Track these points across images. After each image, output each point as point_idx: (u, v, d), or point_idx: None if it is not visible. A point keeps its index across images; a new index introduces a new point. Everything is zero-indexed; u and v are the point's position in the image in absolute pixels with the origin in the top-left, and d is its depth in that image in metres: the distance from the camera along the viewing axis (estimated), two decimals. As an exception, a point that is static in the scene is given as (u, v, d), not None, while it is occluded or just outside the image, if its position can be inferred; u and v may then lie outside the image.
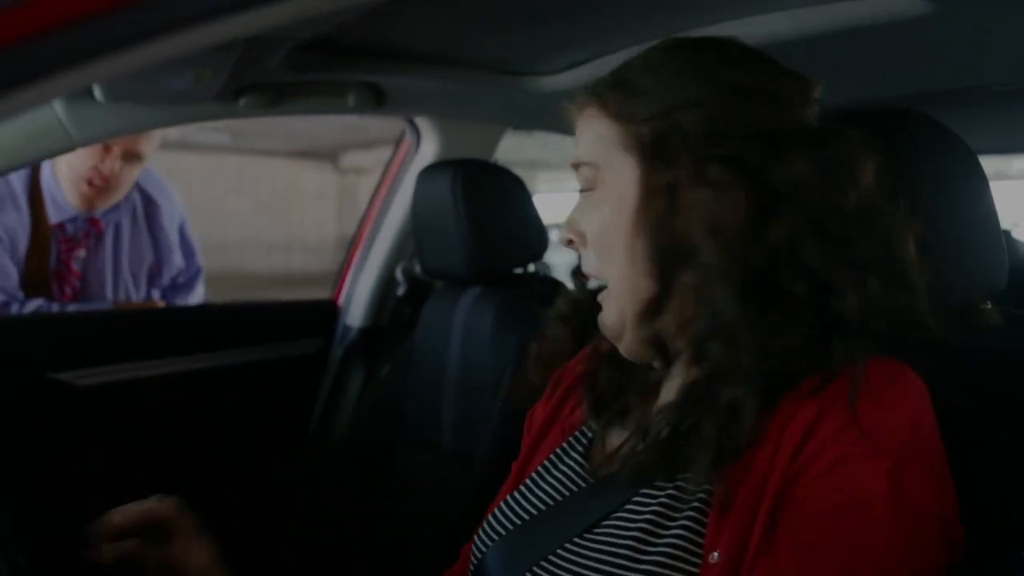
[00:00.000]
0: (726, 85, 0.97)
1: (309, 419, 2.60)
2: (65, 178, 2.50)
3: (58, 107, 1.83)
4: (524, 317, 2.03)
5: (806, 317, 0.92)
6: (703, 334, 0.95)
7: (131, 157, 2.50)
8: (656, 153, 0.97)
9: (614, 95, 1.02)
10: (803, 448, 0.88)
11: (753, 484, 0.90)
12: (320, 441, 2.58)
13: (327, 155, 11.33)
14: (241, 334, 2.48)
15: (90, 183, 2.48)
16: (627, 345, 1.04)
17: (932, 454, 0.89)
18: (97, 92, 1.79)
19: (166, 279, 2.77)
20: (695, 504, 0.93)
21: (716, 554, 0.89)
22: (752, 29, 1.57)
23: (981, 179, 1.09)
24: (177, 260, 2.78)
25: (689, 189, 0.95)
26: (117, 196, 2.58)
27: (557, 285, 2.18)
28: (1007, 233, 2.32)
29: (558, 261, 2.70)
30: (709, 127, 0.95)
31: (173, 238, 2.77)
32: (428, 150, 2.50)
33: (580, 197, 1.06)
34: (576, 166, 1.05)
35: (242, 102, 1.98)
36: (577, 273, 1.15)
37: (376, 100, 2.14)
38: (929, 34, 1.53)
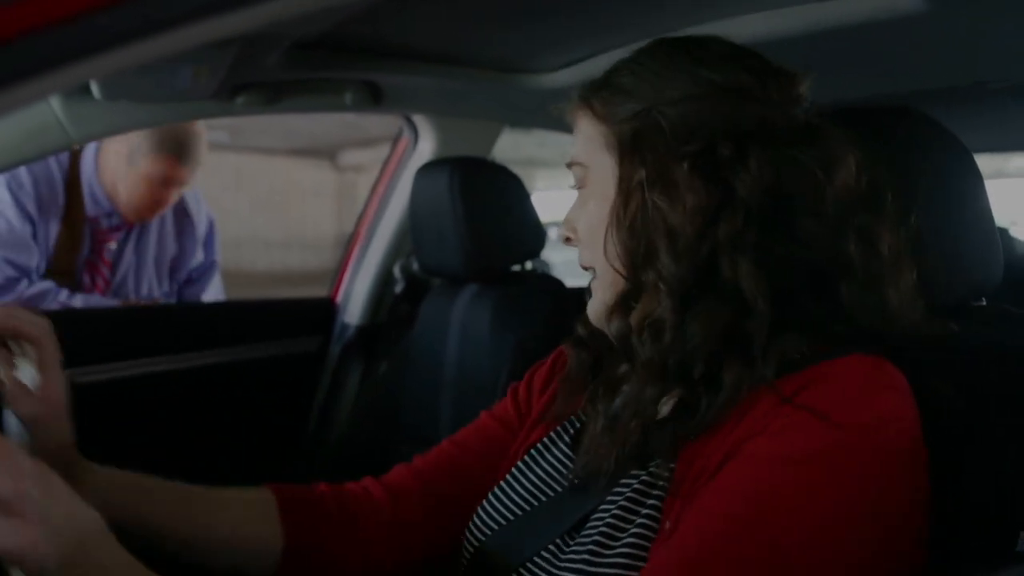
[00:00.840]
0: (702, 84, 0.98)
1: (307, 416, 2.60)
2: (120, 200, 2.58)
3: (56, 105, 1.83)
4: (521, 315, 2.04)
5: (729, 315, 0.93)
6: (643, 331, 0.98)
7: (184, 184, 2.62)
8: (632, 151, 0.99)
9: (599, 97, 1.04)
10: (760, 423, 0.89)
11: (707, 460, 0.92)
12: (318, 438, 2.58)
13: (326, 153, 11.32)
14: (239, 332, 2.48)
15: (148, 208, 2.61)
16: (612, 330, 1.05)
17: (895, 450, 0.88)
18: (95, 90, 1.79)
19: (183, 274, 2.83)
20: (661, 487, 0.95)
21: (668, 524, 0.92)
22: (748, 27, 1.57)
23: (976, 176, 1.10)
24: (198, 256, 2.84)
25: (655, 189, 0.96)
26: (165, 210, 2.69)
27: (554, 283, 2.18)
28: (1003, 231, 2.33)
29: (557, 259, 2.70)
30: (683, 126, 0.96)
31: (200, 232, 2.85)
32: (426, 148, 2.51)
33: (577, 194, 1.09)
34: (570, 165, 1.09)
35: (239, 100, 1.98)
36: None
37: (373, 98, 2.14)
38: (925, 32, 1.53)
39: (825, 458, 0.85)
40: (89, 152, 2.59)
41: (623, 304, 1.01)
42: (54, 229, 2.53)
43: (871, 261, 0.95)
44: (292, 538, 1.14)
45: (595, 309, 1.07)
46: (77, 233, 2.58)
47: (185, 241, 2.81)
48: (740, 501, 0.86)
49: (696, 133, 0.95)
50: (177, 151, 2.52)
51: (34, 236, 2.50)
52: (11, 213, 2.46)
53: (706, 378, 0.94)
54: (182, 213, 2.79)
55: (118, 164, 2.55)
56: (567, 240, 1.10)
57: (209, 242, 2.88)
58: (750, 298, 0.92)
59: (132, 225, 2.66)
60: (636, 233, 0.97)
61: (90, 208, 2.58)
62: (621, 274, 1.00)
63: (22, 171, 2.47)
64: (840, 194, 0.94)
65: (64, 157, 2.56)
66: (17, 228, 2.46)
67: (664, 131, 0.97)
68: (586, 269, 1.09)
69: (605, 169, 1.02)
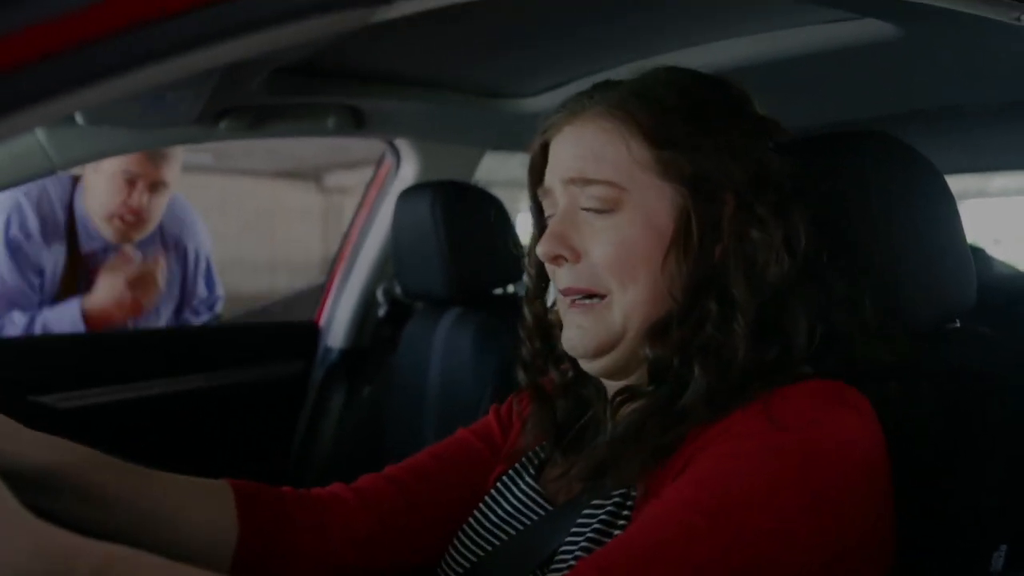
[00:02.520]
0: (754, 130, 1.03)
1: (291, 440, 2.60)
2: (96, 215, 2.52)
3: (39, 131, 1.83)
4: (503, 338, 2.03)
5: (802, 348, 0.97)
6: (698, 355, 0.98)
7: (157, 187, 2.53)
8: (700, 186, 0.99)
9: (649, 116, 1.01)
10: (717, 432, 0.91)
11: (664, 478, 0.93)
12: (302, 462, 2.57)
13: (311, 175, 11.31)
14: (222, 356, 2.47)
15: (121, 219, 2.51)
16: (609, 360, 1.04)
17: (851, 467, 0.89)
18: (78, 116, 1.80)
19: (188, 312, 2.80)
20: (626, 514, 0.96)
21: None
22: (723, 53, 1.59)
23: (948, 199, 1.11)
24: (201, 290, 2.81)
25: (733, 225, 0.98)
26: (150, 226, 2.60)
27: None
28: (979, 251, 2.34)
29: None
30: (753, 170, 0.99)
31: (200, 267, 2.81)
32: (408, 172, 2.51)
33: (583, 213, 1.03)
34: (586, 181, 1.02)
35: (223, 125, 1.99)
36: (531, 297, 1.19)
37: (356, 122, 2.15)
38: (900, 56, 1.55)
39: (779, 456, 0.87)
40: (81, 185, 2.55)
41: (657, 329, 1.00)
42: (60, 274, 2.51)
43: (856, 291, 1.00)
44: (248, 533, 1.09)
45: (600, 337, 1.03)
46: (78, 271, 2.54)
47: (187, 275, 2.77)
48: (697, 490, 0.87)
49: (766, 178, 0.99)
50: None
51: (48, 286, 2.48)
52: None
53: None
54: (181, 245, 2.75)
55: (90, 177, 2.51)
56: (556, 259, 1.04)
57: (209, 276, 2.84)
58: (793, 330, 0.97)
59: (128, 259, 2.58)
60: (704, 263, 0.99)
61: (85, 243, 2.54)
62: (676, 300, 0.99)
63: (25, 205, 2.46)
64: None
65: (66, 189, 2.54)
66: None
67: (735, 171, 0.99)
68: (580, 292, 1.04)
69: (657, 195, 1.00)
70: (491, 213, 2.16)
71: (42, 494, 0.98)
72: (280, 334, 2.72)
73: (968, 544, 0.98)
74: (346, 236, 2.71)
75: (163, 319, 2.74)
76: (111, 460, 1.05)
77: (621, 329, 1.02)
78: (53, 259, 2.50)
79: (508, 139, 2.51)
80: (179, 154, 2.58)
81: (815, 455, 0.87)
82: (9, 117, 0.62)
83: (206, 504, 1.10)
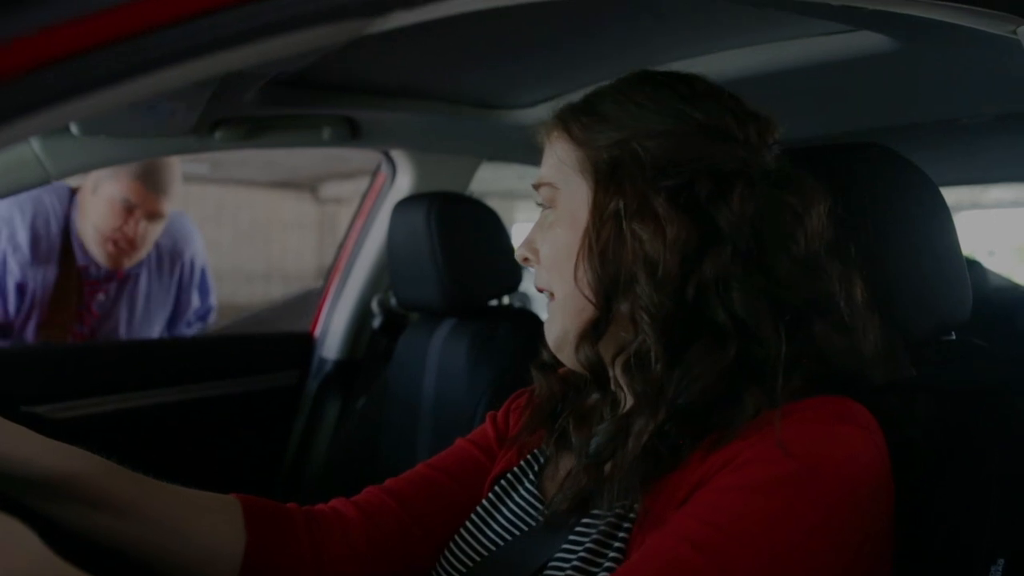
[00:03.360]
0: (686, 121, 0.98)
1: (285, 451, 2.59)
2: (90, 239, 2.52)
3: (34, 141, 1.83)
4: (498, 349, 2.04)
5: (731, 354, 0.93)
6: (629, 362, 0.97)
7: (153, 217, 2.53)
8: (609, 179, 0.99)
9: (578, 120, 1.04)
10: (724, 457, 0.89)
11: (674, 492, 0.92)
12: (296, 473, 2.57)
13: (307, 185, 11.34)
14: (217, 367, 2.47)
15: (115, 244, 2.51)
16: (567, 358, 1.06)
17: (857, 486, 0.88)
18: (73, 126, 1.80)
19: (183, 323, 2.80)
20: (627, 525, 0.95)
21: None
22: (720, 64, 1.60)
23: (944, 211, 1.11)
24: (195, 302, 2.81)
25: (634, 219, 0.96)
26: (141, 254, 2.61)
27: (531, 318, 2.18)
28: (974, 263, 2.34)
29: (538, 293, 2.71)
30: (663, 159, 0.97)
31: (195, 279, 2.81)
32: (403, 182, 2.52)
33: (540, 215, 1.08)
34: (537, 186, 1.07)
35: (217, 135, 1.99)
36: None
37: (351, 134, 2.16)
38: (897, 69, 1.55)
39: (785, 487, 0.85)
40: (78, 198, 2.55)
41: (592, 332, 1.00)
42: (50, 276, 2.50)
43: (845, 304, 0.96)
44: (255, 548, 1.09)
45: (555, 335, 1.05)
46: (69, 284, 2.54)
47: (182, 289, 2.77)
48: (698, 525, 0.86)
49: (676, 167, 0.96)
50: (142, 177, 2.46)
51: (38, 299, 2.47)
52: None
53: (702, 412, 0.93)
54: (176, 261, 2.75)
55: (85, 198, 2.51)
56: (525, 260, 1.09)
57: (204, 286, 2.84)
58: (753, 326, 0.93)
59: (123, 276, 2.62)
60: (609, 261, 0.97)
61: (79, 257, 2.54)
62: (591, 301, 0.99)
63: (17, 216, 2.45)
64: (813, 238, 0.96)
65: (63, 201, 2.53)
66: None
67: (644, 162, 0.97)
68: (541, 291, 1.08)
69: (577, 193, 1.02)
70: (486, 224, 2.16)
71: (51, 501, 0.99)
72: (275, 345, 2.71)
73: (966, 558, 0.98)
74: (341, 247, 2.71)
75: (156, 329, 2.74)
76: (121, 469, 1.05)
77: (562, 329, 1.04)
78: (40, 277, 2.49)
79: (503, 150, 2.52)
80: (177, 188, 2.58)
81: (821, 486, 0.86)
82: (3, 127, 0.61)
83: (214, 516, 1.10)
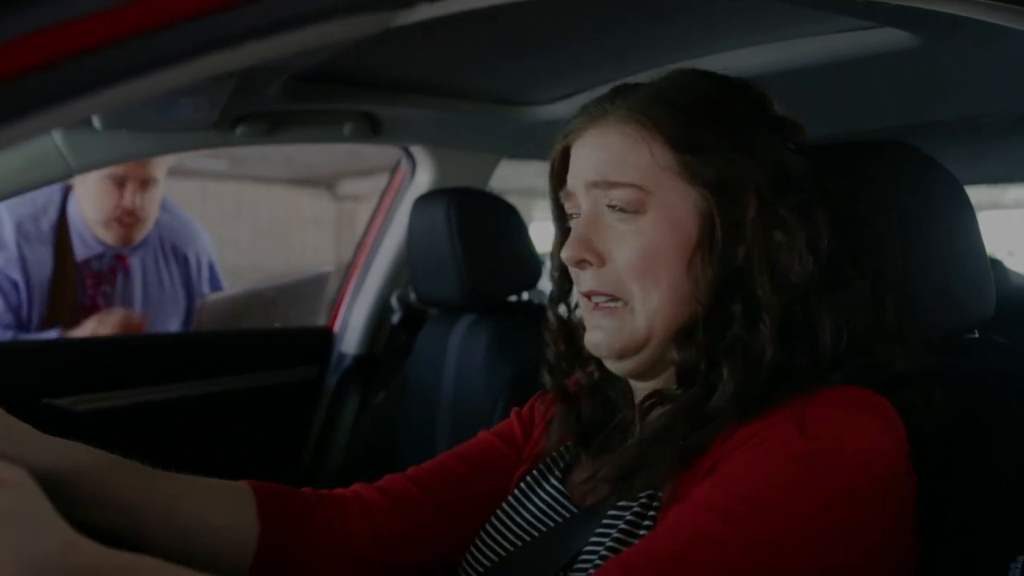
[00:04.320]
0: (775, 132, 1.02)
1: (304, 446, 2.60)
2: (94, 222, 2.54)
3: (56, 135, 1.84)
4: (517, 346, 2.04)
5: (837, 343, 0.97)
6: (726, 356, 0.98)
7: (147, 184, 2.54)
8: (724, 189, 0.99)
9: (672, 121, 1.01)
10: (744, 441, 0.91)
11: (694, 477, 0.93)
12: (314, 468, 2.57)
13: (325, 182, 11.35)
14: (236, 361, 2.48)
15: (120, 221, 2.53)
16: (635, 362, 1.04)
17: (876, 473, 0.89)
18: (95, 120, 1.80)
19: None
20: (652, 516, 0.96)
21: None
22: (741, 60, 1.59)
23: (968, 209, 1.10)
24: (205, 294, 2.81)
25: (757, 227, 0.98)
26: (149, 224, 2.62)
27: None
28: (996, 262, 2.33)
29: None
30: (774, 172, 0.99)
31: (203, 274, 2.81)
32: (423, 178, 2.52)
33: (607, 217, 1.04)
34: (610, 184, 1.02)
35: (239, 131, 2.00)
36: (555, 300, 1.18)
37: (372, 129, 2.16)
38: (919, 66, 1.55)
39: (805, 463, 0.87)
40: (73, 194, 2.57)
41: (682, 332, 1.01)
42: (46, 280, 2.51)
43: (880, 302, 1.01)
44: (268, 535, 1.08)
45: (623, 339, 1.03)
46: (69, 278, 2.55)
47: (191, 286, 2.78)
48: (722, 496, 0.87)
49: (789, 180, 1.00)
50: None
51: (36, 292, 2.48)
52: None
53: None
54: (179, 249, 2.76)
55: (81, 186, 2.52)
56: (581, 263, 1.04)
57: (214, 280, 2.85)
58: (820, 332, 0.97)
59: (127, 266, 2.63)
60: (729, 266, 0.99)
61: (80, 252, 2.55)
62: (701, 302, 1.00)
63: (4, 216, 2.47)
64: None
65: (56, 198, 2.55)
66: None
67: (759, 173, 0.99)
68: (599, 295, 1.04)
69: (681, 198, 1.00)
70: (506, 220, 2.16)
71: (58, 498, 0.98)
72: (294, 339, 2.72)
73: (986, 554, 0.97)
74: (361, 242, 2.71)
75: (172, 327, 2.74)
76: (128, 463, 1.05)
77: (645, 333, 1.02)
78: (35, 271, 2.49)
79: (523, 147, 2.52)
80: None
81: (838, 464, 0.87)
82: (27, 119, 0.62)
83: (226, 506, 1.10)
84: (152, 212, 2.61)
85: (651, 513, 0.96)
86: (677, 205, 1.00)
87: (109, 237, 2.55)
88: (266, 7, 0.66)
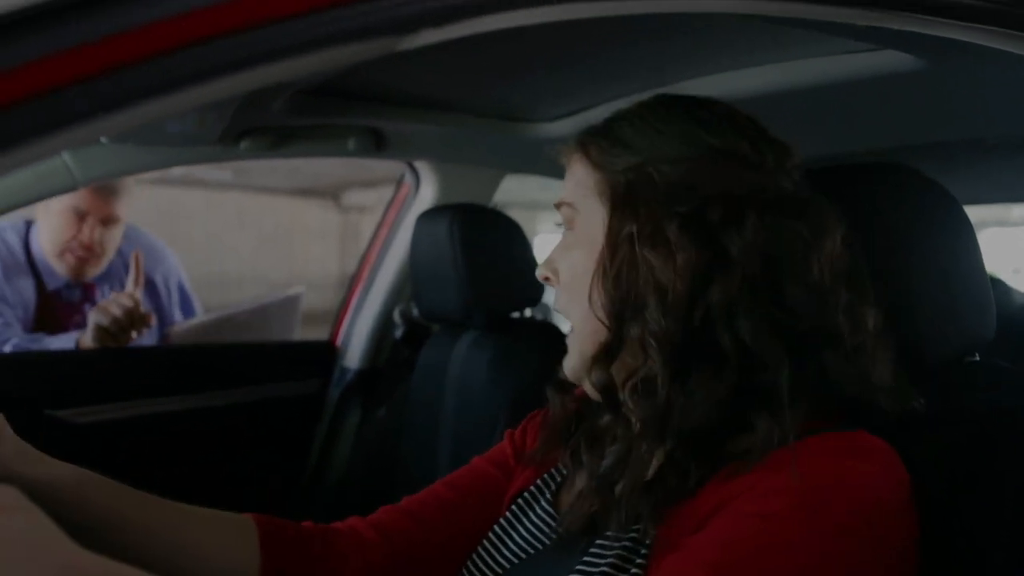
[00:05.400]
0: (701, 146, 0.98)
1: (305, 460, 2.60)
2: (48, 251, 2.53)
3: (62, 149, 1.85)
4: (519, 362, 2.04)
5: (731, 380, 0.93)
6: (636, 387, 0.97)
7: (108, 221, 2.53)
8: (624, 202, 0.99)
9: (597, 144, 1.04)
10: (741, 485, 0.89)
11: (689, 520, 0.91)
12: (316, 482, 2.58)
13: (330, 193, 11.37)
14: (239, 374, 2.48)
15: (72, 254, 2.51)
16: (586, 387, 1.06)
17: (875, 514, 0.88)
18: (101, 134, 1.81)
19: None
20: (644, 552, 0.94)
21: None
22: (741, 82, 1.60)
23: (968, 231, 1.10)
24: (177, 318, 2.79)
25: (646, 243, 0.96)
26: (104, 261, 2.59)
27: (553, 331, 2.19)
28: (999, 281, 2.33)
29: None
30: (677, 184, 0.97)
31: (173, 297, 2.79)
32: (427, 193, 2.53)
33: (562, 235, 1.09)
34: (559, 205, 1.08)
35: (244, 144, 2.01)
36: None
37: (376, 144, 2.17)
38: (921, 89, 1.55)
39: (800, 513, 0.85)
40: (35, 227, 2.56)
41: (604, 355, 1.00)
42: (32, 310, 2.51)
43: (855, 333, 0.95)
44: (270, 568, 1.09)
45: (572, 364, 1.05)
46: (49, 308, 2.55)
47: (160, 306, 2.74)
48: (717, 548, 0.86)
49: (689, 193, 0.96)
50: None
51: (23, 321, 2.48)
52: None
53: (707, 439, 0.93)
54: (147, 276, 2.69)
55: (41, 215, 2.52)
56: (546, 279, 1.09)
57: (185, 302, 2.83)
58: (758, 353, 0.92)
59: (95, 296, 2.61)
60: (622, 285, 0.97)
61: (49, 282, 2.54)
62: (604, 324, 0.99)
63: None
64: (826, 266, 0.95)
65: (21, 232, 2.55)
66: None
67: (658, 187, 0.97)
68: (559, 312, 1.08)
69: (594, 215, 1.02)
70: (509, 237, 2.17)
71: (63, 523, 0.98)
72: (297, 353, 2.73)
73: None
74: (364, 257, 2.72)
75: None
76: (133, 491, 1.05)
77: (579, 354, 1.04)
78: (21, 294, 2.50)
79: (527, 163, 2.52)
80: (131, 189, 2.57)
81: (838, 510, 0.86)
82: (38, 142, 0.62)
83: (229, 537, 1.10)
84: (109, 250, 2.59)
85: (643, 551, 0.94)
86: (593, 223, 1.02)
87: (61, 268, 2.53)
88: (274, 33, 0.67)
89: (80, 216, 2.48)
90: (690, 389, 0.93)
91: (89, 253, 2.52)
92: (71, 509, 0.96)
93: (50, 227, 2.50)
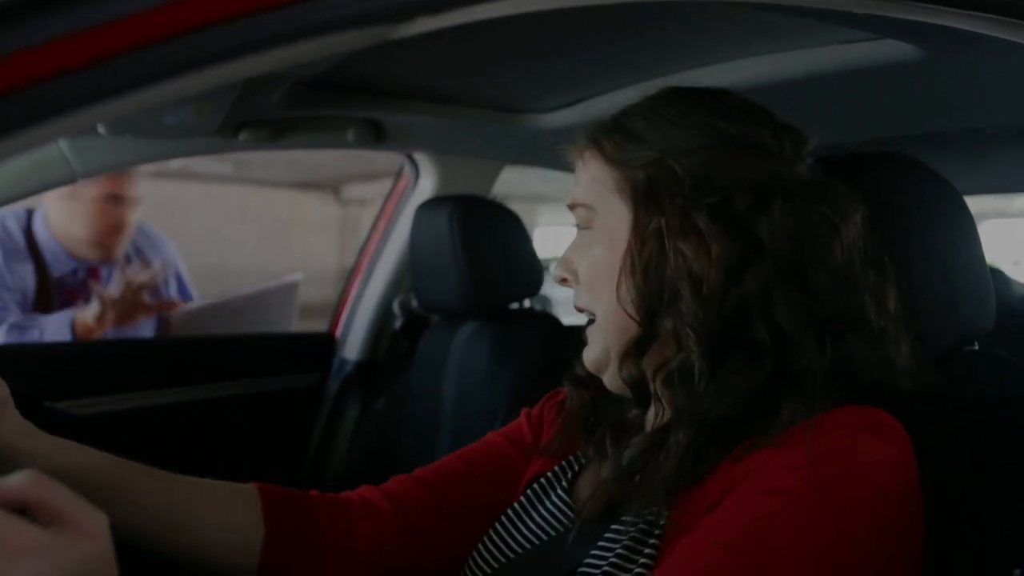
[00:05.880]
0: (720, 136, 0.99)
1: (305, 451, 2.60)
2: (78, 240, 2.58)
3: (61, 140, 1.84)
4: (519, 353, 2.04)
5: (768, 367, 0.93)
6: (671, 377, 0.97)
7: (134, 201, 2.62)
8: (648, 198, 0.99)
9: (610, 140, 1.04)
10: (754, 469, 0.90)
11: (700, 505, 0.92)
12: (315, 474, 2.58)
13: (330, 186, 11.37)
14: (238, 366, 2.48)
15: (111, 238, 2.59)
16: (608, 379, 1.06)
17: (885, 496, 0.88)
18: (99, 126, 1.81)
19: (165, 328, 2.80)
20: (657, 535, 0.95)
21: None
22: (743, 72, 1.59)
23: (969, 221, 1.10)
24: None
25: (676, 236, 0.96)
26: (129, 236, 2.66)
27: (552, 321, 2.19)
28: (998, 272, 2.33)
29: (560, 296, 2.71)
30: (700, 176, 0.97)
31: (171, 286, 2.82)
32: (426, 185, 2.53)
33: (576, 235, 1.08)
34: (572, 207, 1.07)
35: (242, 136, 2.01)
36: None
37: (375, 136, 2.17)
38: (921, 78, 1.55)
39: (814, 494, 0.86)
40: (38, 215, 2.61)
41: (635, 349, 1.00)
42: (31, 295, 2.54)
43: (879, 315, 0.96)
44: (273, 538, 1.10)
45: (594, 356, 1.06)
46: (47, 293, 2.58)
47: (158, 292, 2.77)
48: (731, 528, 0.87)
49: (713, 183, 0.96)
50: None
51: (22, 306, 2.51)
52: None
53: (733, 425, 0.93)
54: (145, 262, 2.76)
55: (62, 205, 2.56)
56: (563, 281, 1.09)
57: (183, 290, 2.86)
58: (793, 339, 0.93)
59: (100, 280, 2.64)
60: (652, 279, 0.97)
61: (54, 268, 2.59)
62: (635, 320, 0.99)
63: None
64: (849, 250, 0.96)
65: (21, 220, 2.59)
66: None
67: (682, 180, 0.97)
68: (581, 311, 1.08)
69: (615, 213, 1.02)
70: (508, 228, 2.16)
71: None
72: (296, 345, 2.73)
73: (984, 567, 0.97)
74: (363, 248, 2.72)
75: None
76: (134, 464, 1.07)
77: (604, 350, 1.04)
78: (22, 278, 2.54)
79: (526, 154, 2.52)
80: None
81: (851, 490, 0.87)
82: (35, 128, 0.62)
83: (232, 507, 1.11)
84: (132, 226, 2.67)
85: (656, 532, 0.95)
86: (614, 220, 1.02)
87: (94, 253, 2.60)
88: (269, 21, 0.66)
89: (114, 201, 2.55)
90: (725, 377, 0.94)
91: (121, 235, 2.61)
92: (84, 483, 0.96)
93: (83, 217, 2.55)
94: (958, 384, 1.04)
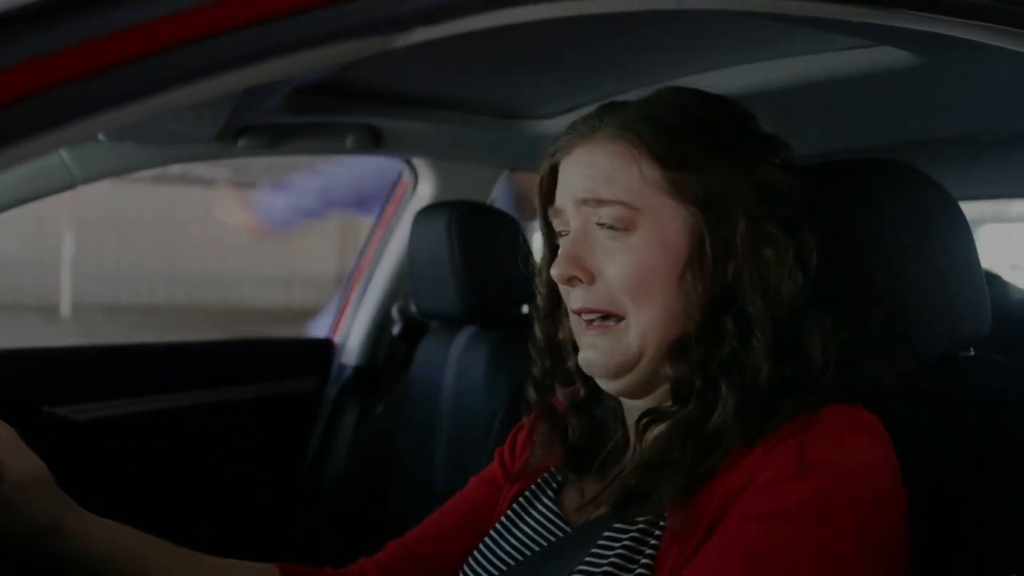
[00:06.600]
0: (762, 149, 1.03)
1: (303, 457, 2.60)
2: None
3: (60, 146, 1.85)
4: (517, 358, 2.03)
5: (819, 362, 0.97)
6: (721, 373, 0.97)
7: None
8: (711, 206, 0.99)
9: (658, 137, 1.01)
10: (749, 479, 0.91)
11: (699, 511, 0.93)
12: (314, 479, 2.57)
13: (328, 191, 11.36)
14: (237, 371, 2.48)
15: None
16: (628, 380, 1.04)
17: (876, 495, 0.90)
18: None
19: None
20: (654, 540, 0.95)
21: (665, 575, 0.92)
22: (739, 78, 1.60)
23: (964, 227, 1.11)
24: None
25: (746, 244, 0.98)
26: None
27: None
28: (996, 277, 2.33)
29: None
30: (762, 188, 0.99)
31: None
32: (425, 190, 2.53)
33: (590, 234, 1.03)
34: (600, 202, 1.02)
35: (241, 142, 2.01)
36: (542, 317, 1.19)
37: (374, 142, 2.17)
38: (916, 85, 1.55)
39: (809, 511, 0.87)
40: None
41: (675, 348, 1.00)
42: None
43: (870, 320, 1.01)
44: None
45: (620, 356, 1.02)
46: None
47: None
48: (733, 557, 0.87)
49: (778, 196, 1.00)
50: None
51: None
52: None
53: (758, 420, 0.95)
54: None
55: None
56: (571, 280, 1.04)
57: None
58: (808, 345, 0.97)
59: None
60: (719, 282, 0.99)
61: None
62: (693, 318, 0.99)
63: None
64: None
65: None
66: None
67: (749, 190, 0.99)
68: (595, 312, 1.03)
69: (670, 216, 1.00)
70: (507, 234, 2.17)
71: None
72: (295, 350, 2.73)
73: (984, 568, 0.98)
74: (362, 253, 2.72)
75: None
76: (161, 542, 1.09)
77: (639, 350, 1.01)
78: None
79: (525, 160, 2.52)
80: None
81: (846, 500, 0.88)
82: (38, 138, 0.63)
83: None
84: None
85: (652, 541, 0.95)
86: (666, 222, 1.00)
87: None
88: (269, 31, 0.67)
89: None
90: (786, 372, 0.96)
91: None
92: (116, 562, 1.02)
93: None
94: (953, 388, 1.05)
